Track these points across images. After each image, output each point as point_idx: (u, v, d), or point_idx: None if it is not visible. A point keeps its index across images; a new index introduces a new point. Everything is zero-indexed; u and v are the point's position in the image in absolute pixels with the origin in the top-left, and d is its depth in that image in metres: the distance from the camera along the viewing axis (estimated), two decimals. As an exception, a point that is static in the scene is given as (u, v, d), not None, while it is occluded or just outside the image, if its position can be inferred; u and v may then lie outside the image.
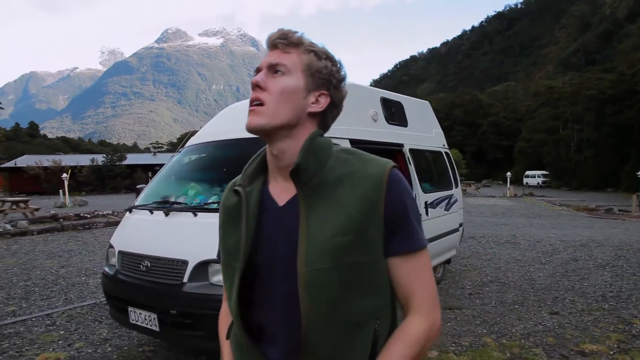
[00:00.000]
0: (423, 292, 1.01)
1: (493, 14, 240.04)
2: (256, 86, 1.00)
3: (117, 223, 14.06)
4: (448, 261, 6.74)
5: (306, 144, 1.01)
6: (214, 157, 4.30)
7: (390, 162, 1.04)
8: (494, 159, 69.04)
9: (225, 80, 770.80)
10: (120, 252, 3.79)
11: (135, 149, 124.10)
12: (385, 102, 5.45)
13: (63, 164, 39.82)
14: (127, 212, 4.23)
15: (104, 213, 16.68)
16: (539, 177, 52.63)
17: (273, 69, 1.01)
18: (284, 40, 1.03)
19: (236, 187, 1.08)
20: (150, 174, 45.48)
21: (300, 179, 0.99)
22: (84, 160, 45.27)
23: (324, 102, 1.05)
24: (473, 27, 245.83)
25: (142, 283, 3.43)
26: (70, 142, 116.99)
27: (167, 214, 3.68)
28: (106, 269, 3.96)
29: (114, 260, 3.88)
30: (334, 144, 1.09)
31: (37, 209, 16.52)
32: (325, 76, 1.05)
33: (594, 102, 46.87)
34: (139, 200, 4.29)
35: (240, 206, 1.05)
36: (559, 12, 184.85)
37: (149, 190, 4.38)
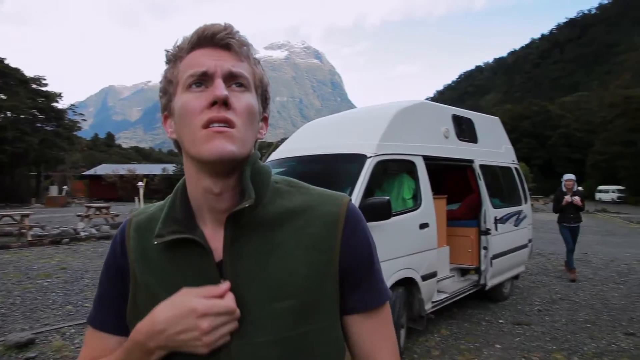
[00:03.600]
0: (387, 352, 0.84)
1: (564, 21, 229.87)
2: (223, 103, 0.73)
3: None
4: (516, 277, 6.73)
5: (247, 170, 0.79)
6: (294, 172, 4.65)
7: (345, 196, 0.85)
8: (564, 173, 65.87)
9: (289, 92, 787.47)
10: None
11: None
12: (456, 119, 5.61)
13: (137, 172, 42.36)
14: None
15: (177, 220, 17.66)
16: (613, 192, 49.55)
17: (234, 79, 0.76)
18: (237, 41, 0.78)
19: (185, 235, 0.78)
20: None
21: (235, 219, 0.78)
22: (155, 169, 47.86)
23: (266, 127, 0.86)
24: (542, 36, 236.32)
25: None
26: (142, 151, 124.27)
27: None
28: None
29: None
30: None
31: (117, 215, 17.82)
32: (268, 95, 0.87)
33: (677, 113, 43.71)
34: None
35: (204, 266, 0.78)
36: (638, 16, 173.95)
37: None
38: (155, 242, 0.79)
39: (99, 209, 17.67)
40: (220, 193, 0.77)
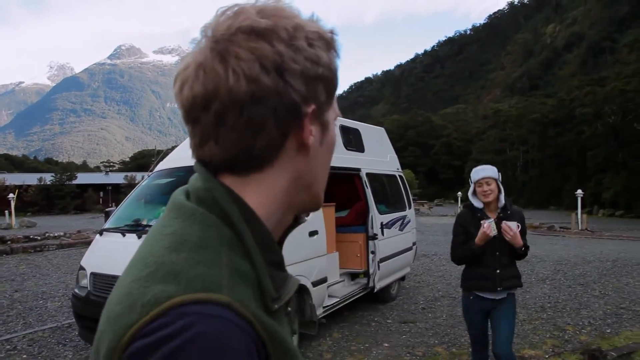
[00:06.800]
0: None
1: (444, 39, 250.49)
2: None
3: (70, 245, 13.75)
4: (402, 278, 7.14)
5: None
6: (183, 182, 4.51)
7: None
8: (446, 179, 71.41)
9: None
10: (92, 273, 3.92)
11: (84, 167, 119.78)
12: (344, 129, 5.84)
13: (7, 183, 38.09)
14: (98, 235, 4.37)
15: (56, 235, 16.18)
16: (488, 196, 54.71)
17: None
18: None
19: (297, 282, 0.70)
20: (102, 194, 44.11)
21: None
22: (30, 179, 43.32)
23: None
24: (425, 51, 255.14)
25: (116, 303, 3.58)
26: (14, 159, 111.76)
27: (139, 237, 3.86)
28: (76, 290, 4.08)
29: (85, 282, 4.01)
30: None
31: (-18, 231, 15.85)
32: None
33: (537, 125, 49.76)
34: (109, 223, 4.44)
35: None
36: (504, 39, 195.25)
37: (119, 214, 4.54)
38: (276, 307, 0.56)
39: (-42, 225, 15.59)
40: None
